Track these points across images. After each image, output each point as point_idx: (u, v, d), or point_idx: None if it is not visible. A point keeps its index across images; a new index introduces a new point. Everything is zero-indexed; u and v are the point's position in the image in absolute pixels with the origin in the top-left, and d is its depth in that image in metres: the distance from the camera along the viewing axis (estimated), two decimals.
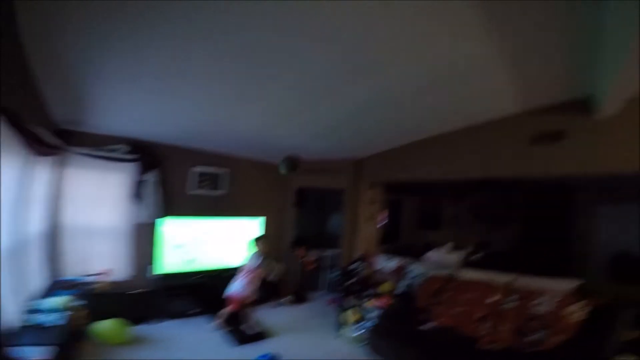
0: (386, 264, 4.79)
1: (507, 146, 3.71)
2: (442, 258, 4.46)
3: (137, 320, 3.78)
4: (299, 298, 5.32)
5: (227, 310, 3.84)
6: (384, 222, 7.96)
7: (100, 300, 3.52)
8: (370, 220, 5.43)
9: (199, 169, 4.95)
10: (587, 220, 5.85)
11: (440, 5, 1.97)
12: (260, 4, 1.90)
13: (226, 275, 4.19)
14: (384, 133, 4.35)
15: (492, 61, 2.59)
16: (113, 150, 3.99)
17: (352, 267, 4.62)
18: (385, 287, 4.14)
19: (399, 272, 4.47)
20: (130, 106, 3.29)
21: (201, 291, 4.43)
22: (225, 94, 3.09)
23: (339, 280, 4.61)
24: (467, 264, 4.63)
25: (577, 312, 2.88)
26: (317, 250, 5.73)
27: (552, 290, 3.16)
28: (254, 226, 5.14)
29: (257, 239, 4.03)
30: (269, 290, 4.84)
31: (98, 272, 3.82)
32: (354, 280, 4.40)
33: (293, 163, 4.18)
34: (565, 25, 2.16)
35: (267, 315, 4.41)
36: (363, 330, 3.73)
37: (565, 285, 3.30)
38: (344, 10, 1.99)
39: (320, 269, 5.74)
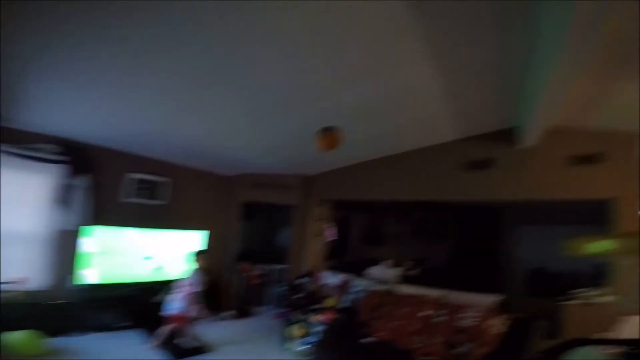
0: (332, 279, 4.84)
1: (443, 171, 4.10)
2: (382, 273, 4.63)
3: (55, 332, 3.48)
4: (243, 312, 5.18)
5: (166, 329, 3.57)
6: (333, 238, 8.07)
7: (14, 310, 3.28)
8: (318, 236, 5.48)
9: (137, 175, 4.62)
10: (511, 239, 6.48)
11: (388, 37, 2.12)
12: (217, 15, 1.88)
13: (158, 288, 3.95)
14: (332, 153, 4.47)
15: (432, 91, 2.83)
16: (38, 150, 3.58)
17: (298, 281, 4.61)
18: (330, 302, 4.17)
19: (344, 287, 4.54)
20: (63, 104, 3.03)
21: (131, 304, 4.13)
22: (169, 100, 2.99)
23: (286, 295, 4.57)
24: (406, 279, 4.84)
25: (497, 325, 3.10)
26: (263, 265, 5.62)
27: (477, 304, 3.40)
28: (194, 239, 4.87)
29: (197, 254, 3.82)
30: (210, 304, 4.61)
31: (12, 279, 3.44)
32: (300, 295, 4.40)
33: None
34: (497, 62, 2.44)
35: (208, 330, 4.19)
36: (308, 345, 3.70)
37: (489, 300, 3.57)
38: (299, 32, 2.06)
39: (266, 283, 5.63)
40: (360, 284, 4.35)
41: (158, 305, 3.69)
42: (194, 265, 3.73)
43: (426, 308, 3.50)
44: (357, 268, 5.23)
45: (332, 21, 1.97)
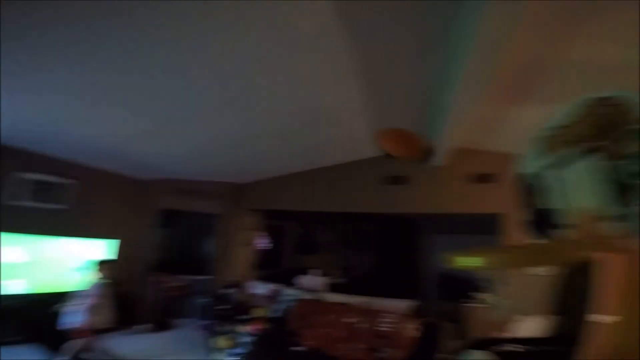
0: (261, 289, 4.76)
1: (366, 185, 4.44)
2: (311, 282, 4.67)
3: None
4: (161, 325, 4.83)
5: (75, 343, 3.15)
6: (265, 248, 7.92)
7: None
8: (246, 245, 5.33)
9: (32, 175, 4.01)
10: (425, 247, 7.03)
11: (317, 53, 2.20)
12: (138, 14, 1.75)
13: (55, 300, 3.47)
14: (260, 163, 4.49)
15: (356, 107, 2.97)
16: None
17: (225, 292, 4.52)
18: (259, 312, 4.11)
19: (274, 297, 4.50)
20: None
21: (24, 316, 3.68)
22: (77, 94, 2.66)
23: (211, 306, 4.44)
24: (333, 287, 4.93)
25: (411, 329, 3.31)
26: (183, 276, 5.27)
27: (394, 310, 3.61)
28: (100, 248, 4.39)
29: (102, 263, 3.45)
30: (122, 316, 4.21)
31: None
32: (227, 305, 4.31)
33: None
34: (415, 84, 2.64)
35: (122, 344, 3.85)
36: (236, 356, 3.61)
37: (405, 305, 3.80)
38: (229, 37, 2.02)
39: (187, 294, 5.29)
40: (290, 294, 4.35)
41: (55, 317, 3.26)
42: (97, 276, 3.36)
43: (350, 315, 3.60)
44: (289, 277, 5.22)
45: (263, 30, 1.98)
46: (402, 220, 7.00)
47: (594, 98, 1.01)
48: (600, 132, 0.98)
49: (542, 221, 1.29)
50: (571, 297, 1.25)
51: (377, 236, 7.90)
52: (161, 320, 4.89)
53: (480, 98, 2.35)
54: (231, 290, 4.52)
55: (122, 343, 3.88)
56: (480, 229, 4.62)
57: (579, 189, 1.10)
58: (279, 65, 2.33)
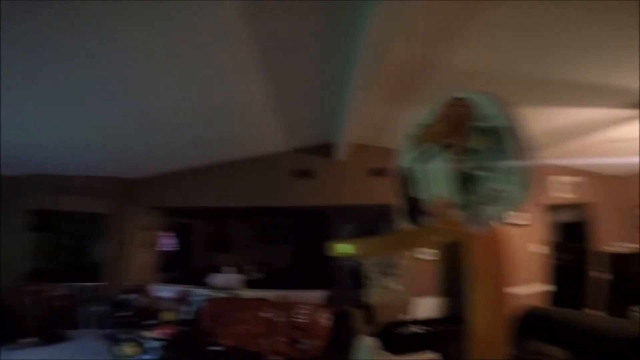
0: (168, 291, 4.47)
1: (275, 179, 4.47)
2: (224, 280, 4.52)
3: None
4: (50, 338, 4.19)
5: None
6: (172, 248, 7.33)
7: None
8: (146, 246, 4.87)
9: None
10: (338, 239, 7.36)
11: (217, 46, 2.12)
12: None
13: None
14: (157, 157, 4.17)
15: (261, 103, 2.95)
16: None
17: (124, 298, 4.21)
18: (167, 315, 3.90)
19: (183, 299, 4.28)
20: None
21: None
22: None
23: (110, 314, 4.13)
24: (249, 283, 4.85)
25: (325, 319, 3.41)
26: (68, 283, 4.62)
27: (308, 301, 3.69)
28: None
29: None
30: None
31: None
32: (128, 312, 4.05)
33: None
34: (319, 81, 2.70)
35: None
36: None
37: (319, 296, 3.93)
38: (120, 25, 1.84)
39: (75, 303, 4.65)
40: (200, 294, 4.15)
41: None
42: None
43: (267, 309, 3.58)
44: (201, 277, 4.94)
45: (159, 20, 1.85)
46: (314, 213, 7.20)
47: (449, 98, 1.15)
48: (452, 129, 1.13)
49: (413, 210, 1.44)
50: (455, 280, 1.42)
51: (291, 230, 8.00)
52: (50, 332, 4.25)
53: (370, 98, 2.52)
54: (132, 296, 4.22)
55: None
56: (383, 218, 5.04)
57: (437, 181, 1.25)
58: (178, 55, 2.20)
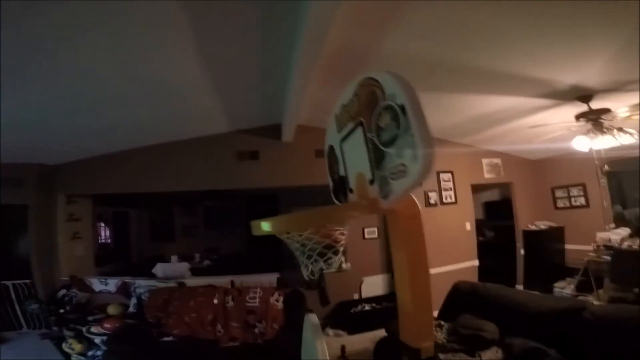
0: (106, 284, 4.23)
1: (218, 161, 4.33)
2: (170, 270, 4.42)
3: None
4: None
5: None
6: (106, 239, 6.91)
7: None
8: (75, 239, 4.54)
9: None
10: None
11: (148, 26, 2.02)
12: None
13: None
14: (82, 139, 3.86)
15: (200, 84, 2.88)
16: None
17: (60, 294, 3.95)
18: (110, 309, 3.70)
19: (125, 290, 4.09)
20: None
21: None
22: None
23: (47, 312, 3.91)
24: (198, 271, 4.74)
25: (277, 301, 3.45)
26: None
27: (259, 285, 3.71)
28: None
29: None
30: None
31: None
32: (66, 308, 3.83)
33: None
34: (263, 64, 2.71)
35: None
36: (97, 358, 3.30)
37: (271, 278, 3.99)
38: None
39: (7, 302, 4.25)
40: (143, 285, 3.99)
41: None
42: None
43: (217, 296, 3.53)
44: (143, 268, 4.77)
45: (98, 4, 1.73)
46: (262, 195, 7.15)
47: (363, 79, 1.21)
48: (363, 108, 1.19)
49: (339, 187, 1.51)
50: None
51: (240, 214, 7.90)
52: None
53: (313, 80, 2.58)
54: (70, 291, 3.97)
55: None
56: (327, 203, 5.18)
57: (354, 158, 1.32)
58: (115, 40, 2.09)
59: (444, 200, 4.96)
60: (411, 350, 1.60)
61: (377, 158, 1.12)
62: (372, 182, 1.16)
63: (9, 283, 4.24)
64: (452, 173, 5.06)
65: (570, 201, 5.44)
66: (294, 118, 3.47)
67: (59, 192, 4.38)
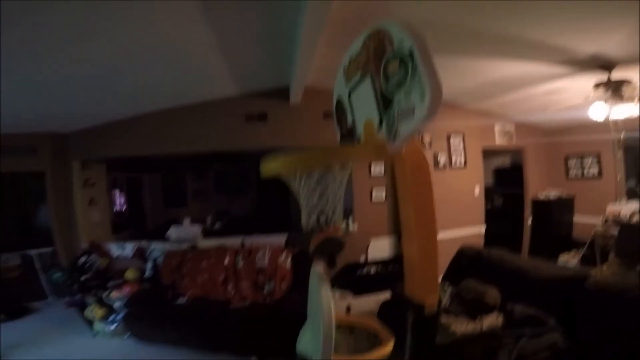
0: (124, 250, 4.37)
1: (227, 124, 4.31)
2: (182, 233, 4.50)
3: None
4: (14, 312, 4.06)
5: None
6: (122, 205, 7.10)
7: None
8: (92, 205, 4.70)
9: None
10: None
11: None
12: None
13: None
14: (94, 106, 3.89)
15: (208, 47, 2.78)
16: None
17: (81, 261, 4.01)
18: (129, 274, 3.84)
19: (141, 256, 4.22)
20: None
21: None
22: None
23: (70, 279, 4.00)
24: (208, 233, 4.89)
25: (286, 260, 3.51)
26: (9, 254, 4.37)
27: (269, 244, 3.76)
28: None
29: None
30: None
31: None
32: (88, 275, 3.87)
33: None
34: (270, 26, 2.60)
35: None
36: (116, 323, 3.44)
37: (279, 238, 4.03)
38: None
39: (32, 272, 4.48)
40: (158, 249, 4.12)
41: None
42: None
43: (227, 256, 3.61)
44: (158, 233, 4.89)
45: None
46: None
47: (371, 30, 1.21)
48: (372, 58, 1.19)
49: (347, 140, 1.55)
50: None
51: (250, 177, 7.98)
52: (12, 306, 4.12)
53: (321, 42, 2.48)
54: (90, 258, 4.03)
55: None
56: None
57: (363, 106, 1.34)
58: (118, 5, 2.03)
59: (454, 164, 4.91)
60: (416, 306, 1.61)
61: (385, 103, 1.13)
62: (380, 125, 1.19)
63: (33, 252, 4.44)
64: (462, 135, 4.96)
65: (582, 172, 5.32)
66: (302, 80, 3.41)
67: (73, 159, 4.50)
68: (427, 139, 4.73)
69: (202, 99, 4.18)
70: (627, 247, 3.70)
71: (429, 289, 1.57)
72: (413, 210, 1.45)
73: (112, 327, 3.46)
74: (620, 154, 4.75)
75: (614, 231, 3.96)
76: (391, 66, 1.07)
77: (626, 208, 4.21)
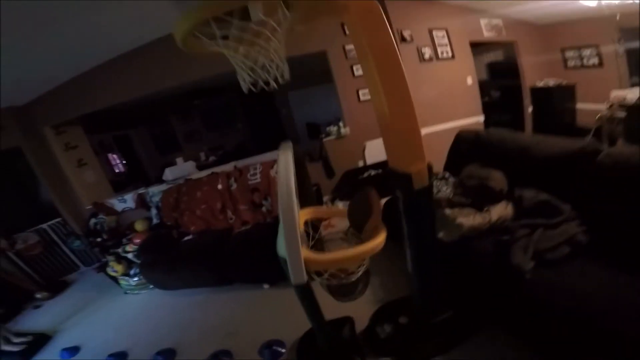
0: (125, 201, 4.37)
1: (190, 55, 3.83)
2: (177, 170, 4.42)
3: None
4: (55, 288, 4.27)
5: None
6: (116, 163, 7.08)
7: None
8: (81, 166, 4.62)
9: None
10: (284, 103, 7.29)
11: None
12: None
13: None
14: (47, 67, 3.50)
15: None
16: None
17: (91, 223, 4.04)
18: (138, 225, 3.85)
19: (144, 203, 4.18)
20: None
21: None
22: None
23: (88, 245, 4.08)
24: (203, 167, 4.81)
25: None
26: (23, 234, 4.40)
27: (261, 161, 3.61)
28: None
29: None
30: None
31: None
32: (103, 236, 3.91)
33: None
34: None
35: (32, 320, 3.63)
36: (137, 276, 3.54)
37: (272, 156, 3.84)
38: None
39: (48, 247, 4.56)
40: (156, 192, 4.04)
41: None
42: None
43: (220, 181, 3.50)
44: (156, 180, 4.86)
45: None
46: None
47: None
48: None
49: None
50: None
51: (235, 108, 7.74)
52: (49, 283, 4.31)
53: None
54: (99, 219, 4.05)
55: (35, 319, 3.60)
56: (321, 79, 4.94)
57: None
58: None
59: (440, 56, 4.54)
60: (402, 178, 1.50)
61: None
62: None
63: (45, 226, 4.46)
64: (446, 30, 4.53)
65: (582, 61, 4.94)
66: None
67: (43, 127, 4.31)
68: (406, 33, 4.33)
69: (155, 36, 3.74)
70: (638, 129, 3.39)
71: (413, 154, 1.44)
72: (374, 65, 1.30)
73: (135, 280, 3.55)
74: (621, 49, 4.33)
75: (621, 115, 3.64)
76: None
77: (632, 92, 3.80)
